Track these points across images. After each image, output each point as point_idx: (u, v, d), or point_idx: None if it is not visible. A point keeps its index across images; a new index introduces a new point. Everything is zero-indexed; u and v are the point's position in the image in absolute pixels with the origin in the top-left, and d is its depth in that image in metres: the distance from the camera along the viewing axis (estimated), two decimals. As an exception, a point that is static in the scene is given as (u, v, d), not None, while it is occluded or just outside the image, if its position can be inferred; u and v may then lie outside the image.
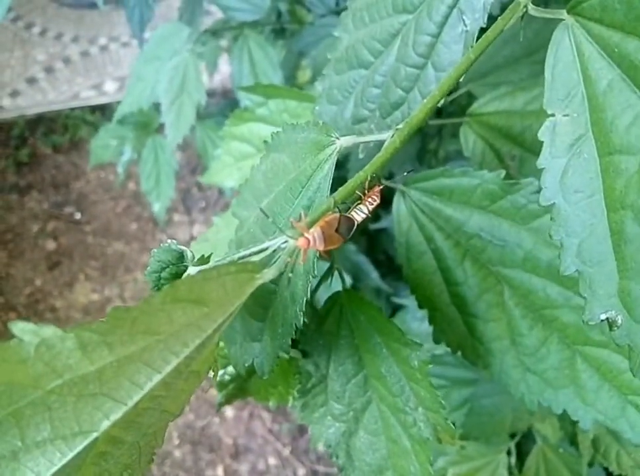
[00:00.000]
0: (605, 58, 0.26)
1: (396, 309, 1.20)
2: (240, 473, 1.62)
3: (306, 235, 0.27)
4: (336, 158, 0.31)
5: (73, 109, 2.23)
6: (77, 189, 2.10)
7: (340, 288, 0.41)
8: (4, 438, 0.18)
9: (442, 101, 0.31)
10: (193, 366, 0.22)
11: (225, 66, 1.53)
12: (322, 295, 0.41)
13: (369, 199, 0.32)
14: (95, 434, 0.19)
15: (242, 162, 0.74)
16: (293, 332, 0.30)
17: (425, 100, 0.31)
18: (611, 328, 0.25)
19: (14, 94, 2.30)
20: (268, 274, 0.24)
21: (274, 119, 0.67)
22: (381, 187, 0.32)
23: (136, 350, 0.20)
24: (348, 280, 1.11)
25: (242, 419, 1.69)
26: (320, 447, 0.45)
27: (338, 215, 0.29)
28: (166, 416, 0.23)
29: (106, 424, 0.19)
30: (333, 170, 0.31)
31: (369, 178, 0.30)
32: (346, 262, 1.13)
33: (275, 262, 0.26)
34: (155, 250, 0.29)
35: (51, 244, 1.96)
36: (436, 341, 0.40)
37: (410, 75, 0.36)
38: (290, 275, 0.29)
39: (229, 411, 1.71)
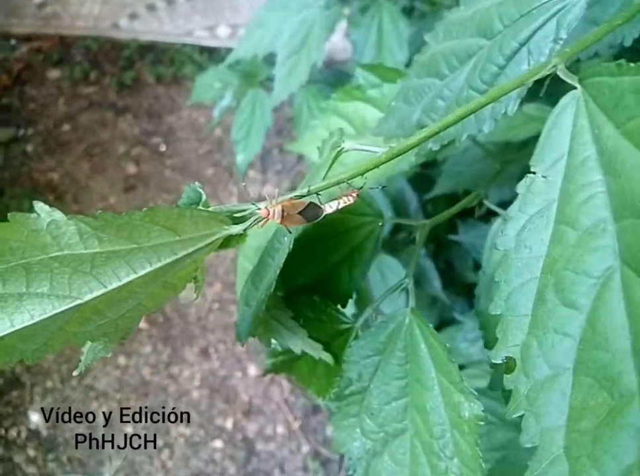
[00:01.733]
0: (591, 134, 0.28)
1: (446, 322, 1.17)
2: (248, 431, 1.66)
3: (269, 208, 0.32)
4: (337, 157, 0.35)
5: (184, 45, 2.29)
6: (168, 123, 2.16)
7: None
8: (14, 282, 0.24)
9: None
10: (168, 278, 0.28)
11: (336, 36, 1.51)
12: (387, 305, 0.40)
13: (345, 198, 0.35)
14: (80, 301, 0.25)
15: (337, 140, 0.72)
16: (266, 298, 0.34)
17: (422, 131, 0.33)
18: (505, 371, 0.27)
19: (133, 16, 2.38)
20: (235, 228, 0.30)
21: (383, 104, 0.65)
22: (357, 192, 0.35)
23: (120, 250, 0.25)
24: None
25: (263, 381, 1.72)
26: (329, 432, 0.44)
27: (306, 201, 0.34)
28: (142, 308, 0.28)
29: (89, 297, 0.25)
30: (331, 165, 0.35)
31: (349, 181, 0.33)
32: (410, 263, 1.11)
33: (248, 220, 0.31)
34: (188, 187, 0.35)
35: (132, 168, 2.04)
36: (492, 387, 0.39)
37: (470, 98, 0.38)
38: (279, 246, 0.35)
39: (252, 370, 1.75)
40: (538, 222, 0.28)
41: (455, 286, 1.18)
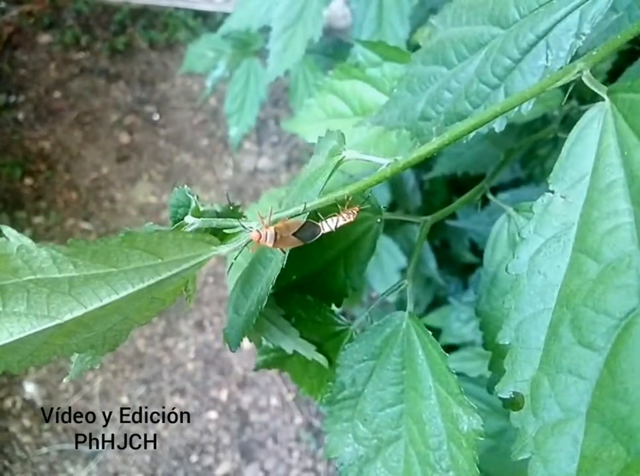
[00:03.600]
0: (619, 156, 0.25)
1: (440, 301, 1.17)
2: (242, 403, 1.67)
3: (261, 230, 0.30)
4: (336, 167, 0.33)
5: (177, 9, 2.21)
6: (162, 90, 2.11)
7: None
8: None
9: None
10: (155, 294, 0.26)
11: (335, 3, 1.46)
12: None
13: (344, 215, 0.33)
14: (59, 321, 0.24)
15: (333, 121, 0.69)
16: (258, 312, 0.32)
17: (423, 146, 0.30)
18: (513, 407, 0.25)
19: (125, -22, 2.29)
20: (224, 249, 0.28)
21: (383, 85, 0.62)
22: (358, 209, 0.33)
23: (98, 273, 0.24)
24: (403, 261, 1.07)
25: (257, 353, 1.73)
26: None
27: (301, 221, 0.31)
28: (130, 322, 0.27)
29: (68, 317, 0.24)
30: (329, 176, 0.32)
31: (349, 197, 0.31)
32: (404, 243, 1.10)
33: (237, 241, 0.29)
34: (177, 189, 0.34)
35: (125, 138, 2.00)
36: (490, 390, 0.37)
37: (481, 92, 0.35)
38: (271, 255, 0.33)
39: (246, 343, 1.75)
40: (554, 247, 0.26)
41: (450, 266, 1.17)
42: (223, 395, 1.68)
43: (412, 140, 0.40)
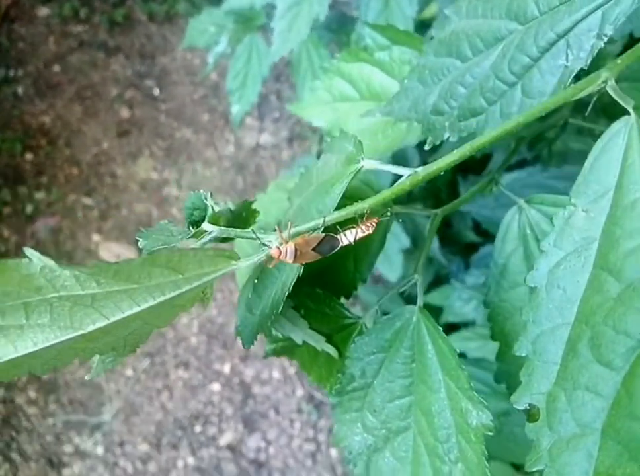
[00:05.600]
0: None
1: (441, 280, 1.18)
2: (245, 376, 1.71)
3: (281, 247, 0.30)
4: (354, 176, 0.33)
5: (176, -21, 2.16)
6: (162, 64, 2.08)
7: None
8: (13, 314, 0.24)
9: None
10: (176, 303, 0.27)
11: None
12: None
13: (363, 227, 0.32)
14: (82, 332, 0.25)
15: (340, 104, 0.69)
16: (273, 316, 0.33)
17: (451, 154, 0.29)
18: (528, 419, 0.25)
19: (123, -54, 2.23)
20: (244, 264, 0.29)
21: (391, 69, 0.61)
22: (377, 220, 0.33)
23: (120, 288, 0.25)
24: (406, 242, 1.08)
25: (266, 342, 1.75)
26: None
27: (320, 235, 0.31)
28: (150, 327, 0.28)
29: (91, 327, 0.25)
30: (347, 185, 0.32)
31: (367, 211, 0.31)
32: (407, 221, 1.10)
33: (256, 256, 0.30)
34: (192, 193, 0.34)
35: (125, 112, 1.98)
36: (497, 380, 0.38)
37: (497, 89, 0.35)
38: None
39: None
40: (575, 262, 0.26)
41: (453, 245, 1.18)
42: (226, 368, 1.71)
43: (423, 134, 0.40)
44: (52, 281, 0.23)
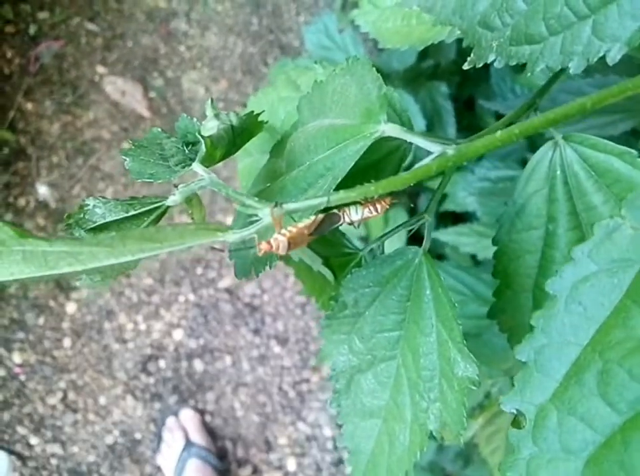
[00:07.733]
0: None
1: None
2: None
3: (272, 241, 0.27)
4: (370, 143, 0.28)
5: None
6: None
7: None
8: None
9: None
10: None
11: None
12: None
13: (371, 207, 0.29)
14: (57, 271, 0.24)
15: None
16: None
17: (480, 139, 0.24)
18: (513, 423, 0.24)
19: None
20: (232, 237, 0.26)
21: None
22: (390, 200, 0.29)
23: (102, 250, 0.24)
24: (422, 124, 1.02)
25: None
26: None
27: (319, 218, 0.28)
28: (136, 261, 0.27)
29: (67, 269, 0.23)
30: (363, 152, 0.28)
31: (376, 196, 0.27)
32: (427, 101, 1.03)
33: (246, 230, 0.27)
34: (184, 116, 0.32)
35: None
36: (491, 316, 0.38)
37: (564, 18, 0.28)
38: None
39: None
40: (605, 282, 0.23)
41: (470, 131, 1.11)
42: (229, 220, 1.75)
43: (465, 47, 0.34)
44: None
